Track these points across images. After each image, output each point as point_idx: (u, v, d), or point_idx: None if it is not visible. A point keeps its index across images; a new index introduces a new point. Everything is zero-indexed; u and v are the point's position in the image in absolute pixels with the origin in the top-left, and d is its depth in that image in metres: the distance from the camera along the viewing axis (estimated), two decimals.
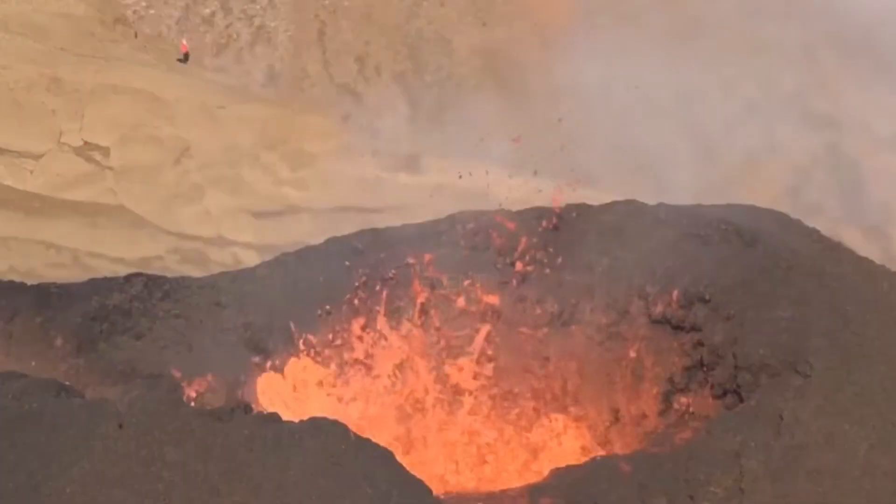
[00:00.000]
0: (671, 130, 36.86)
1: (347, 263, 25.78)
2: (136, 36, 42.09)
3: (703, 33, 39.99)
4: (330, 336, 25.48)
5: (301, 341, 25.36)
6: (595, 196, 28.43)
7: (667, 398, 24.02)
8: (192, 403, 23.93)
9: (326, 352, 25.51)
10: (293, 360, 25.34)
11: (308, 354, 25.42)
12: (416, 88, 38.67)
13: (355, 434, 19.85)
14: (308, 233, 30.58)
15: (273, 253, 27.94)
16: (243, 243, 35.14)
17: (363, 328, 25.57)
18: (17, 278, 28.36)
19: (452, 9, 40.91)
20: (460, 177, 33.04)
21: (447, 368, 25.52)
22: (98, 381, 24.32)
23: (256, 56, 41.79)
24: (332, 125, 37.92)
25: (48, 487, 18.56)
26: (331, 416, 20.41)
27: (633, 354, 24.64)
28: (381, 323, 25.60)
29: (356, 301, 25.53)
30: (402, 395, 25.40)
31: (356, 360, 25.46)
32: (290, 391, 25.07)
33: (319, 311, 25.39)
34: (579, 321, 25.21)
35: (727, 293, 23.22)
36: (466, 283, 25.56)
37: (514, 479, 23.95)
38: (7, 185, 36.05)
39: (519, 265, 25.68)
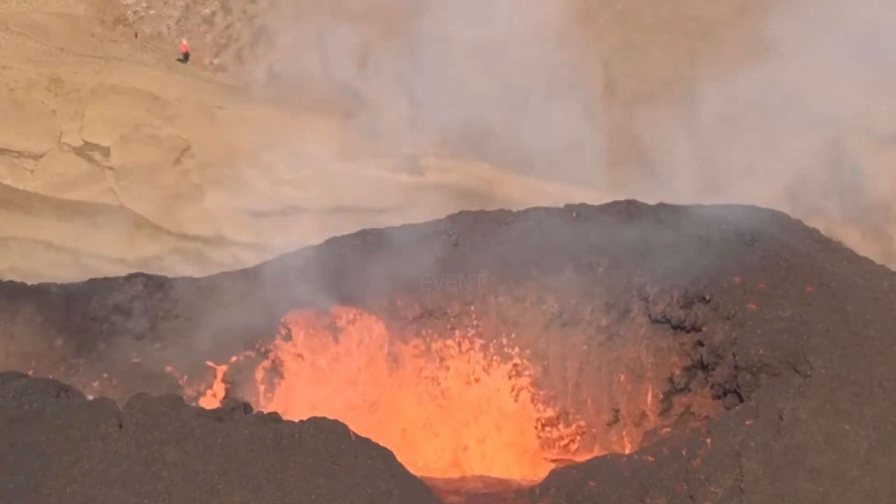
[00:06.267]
0: (672, 130, 36.86)
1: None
2: (136, 36, 42.12)
3: (703, 32, 40.03)
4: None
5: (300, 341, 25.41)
6: (595, 196, 28.44)
7: (667, 398, 24.03)
8: (192, 403, 23.93)
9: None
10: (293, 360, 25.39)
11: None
12: (416, 88, 38.67)
13: (355, 434, 19.86)
14: (308, 233, 30.59)
15: (273, 253, 27.92)
16: (243, 243, 35.10)
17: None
18: (17, 278, 28.33)
19: (452, 9, 40.93)
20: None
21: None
22: (98, 381, 24.33)
23: (256, 56, 41.80)
24: (332, 125, 37.90)
25: (48, 487, 18.56)
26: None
27: (633, 354, 24.66)
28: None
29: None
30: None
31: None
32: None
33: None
34: (579, 321, 25.23)
35: (727, 293, 23.22)
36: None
37: None
38: (7, 185, 36.05)
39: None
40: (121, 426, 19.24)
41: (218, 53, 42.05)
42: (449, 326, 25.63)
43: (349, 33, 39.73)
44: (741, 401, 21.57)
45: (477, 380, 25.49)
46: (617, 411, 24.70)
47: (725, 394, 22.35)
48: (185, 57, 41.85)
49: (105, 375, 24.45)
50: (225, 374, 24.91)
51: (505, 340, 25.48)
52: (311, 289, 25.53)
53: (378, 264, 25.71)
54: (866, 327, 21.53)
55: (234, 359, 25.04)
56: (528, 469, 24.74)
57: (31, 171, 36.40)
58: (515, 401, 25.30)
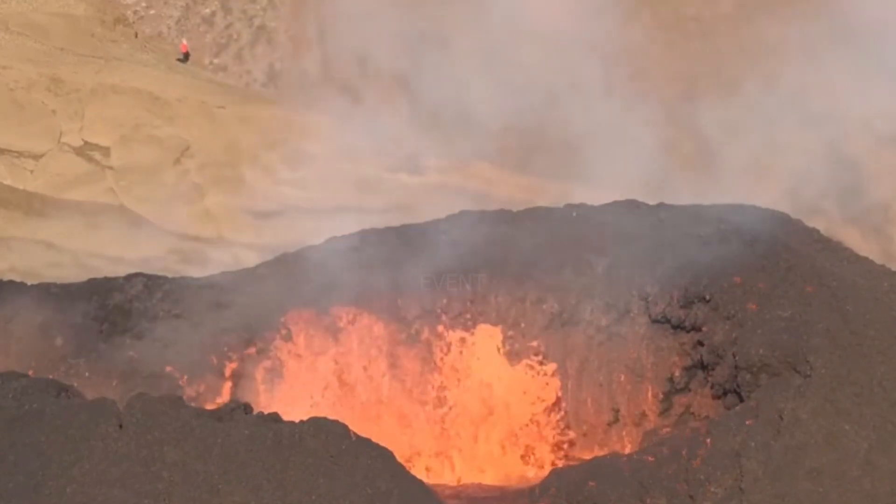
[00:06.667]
0: (672, 130, 36.87)
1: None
2: (136, 36, 42.11)
3: (703, 32, 40.03)
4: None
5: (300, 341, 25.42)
6: (595, 196, 28.43)
7: (667, 398, 24.03)
8: (193, 403, 23.91)
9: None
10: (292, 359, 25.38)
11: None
12: (416, 88, 38.67)
13: (355, 434, 19.86)
14: (308, 233, 30.57)
15: (273, 253, 27.92)
16: (243, 243, 35.09)
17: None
18: (17, 278, 28.32)
19: (452, 9, 40.94)
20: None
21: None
22: (98, 381, 24.32)
23: (256, 56, 41.80)
24: (332, 125, 37.86)
25: (48, 487, 18.56)
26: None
27: (633, 354, 24.66)
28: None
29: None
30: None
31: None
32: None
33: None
34: (579, 321, 25.22)
35: (727, 293, 23.22)
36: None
37: None
38: (7, 185, 36.03)
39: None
40: (121, 426, 19.24)
41: (218, 53, 42.06)
42: (449, 326, 25.63)
43: (349, 32, 39.74)
44: (741, 401, 21.56)
45: (475, 378, 25.49)
46: (617, 411, 24.70)
47: (725, 394, 22.34)
48: (185, 57, 41.86)
49: (105, 375, 24.42)
50: (225, 374, 24.90)
51: (504, 340, 25.48)
52: (311, 289, 25.54)
53: (378, 264, 25.71)
54: (866, 327, 21.53)
55: (234, 359, 25.03)
56: (528, 472, 24.74)
57: (31, 171, 36.38)
58: (516, 401, 25.29)
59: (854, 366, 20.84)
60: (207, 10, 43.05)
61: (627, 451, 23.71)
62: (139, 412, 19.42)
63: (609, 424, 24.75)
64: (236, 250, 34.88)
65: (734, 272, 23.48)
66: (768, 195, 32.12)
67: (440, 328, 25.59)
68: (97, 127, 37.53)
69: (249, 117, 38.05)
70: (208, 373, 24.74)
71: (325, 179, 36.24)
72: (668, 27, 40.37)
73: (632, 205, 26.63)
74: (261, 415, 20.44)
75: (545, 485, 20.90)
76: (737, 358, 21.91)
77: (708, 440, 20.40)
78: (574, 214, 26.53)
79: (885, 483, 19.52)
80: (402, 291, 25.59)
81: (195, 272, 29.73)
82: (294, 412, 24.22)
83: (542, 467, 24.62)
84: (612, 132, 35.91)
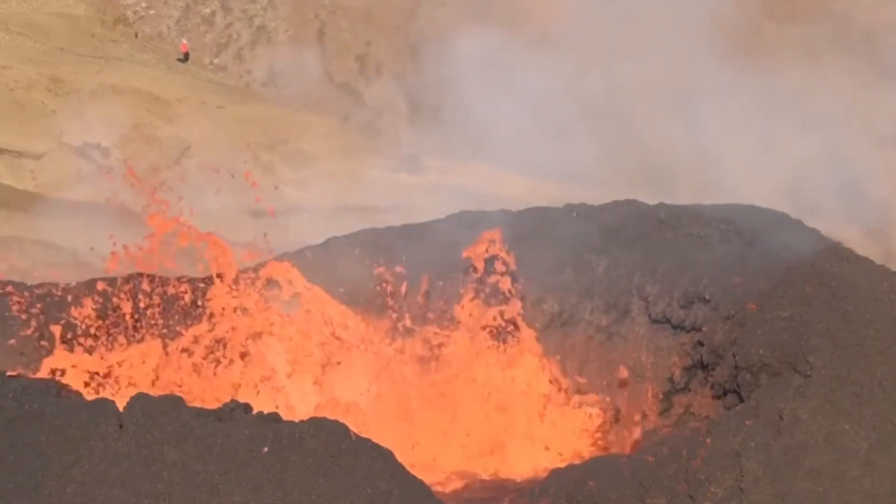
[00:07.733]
0: (672, 130, 36.88)
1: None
2: (136, 36, 42.16)
3: (703, 33, 40.03)
4: None
5: None
6: (595, 196, 28.44)
7: (667, 398, 24.03)
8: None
9: None
10: None
11: None
12: (416, 88, 38.70)
13: (356, 434, 19.85)
14: (308, 233, 30.59)
15: (273, 253, 27.93)
16: (243, 243, 35.08)
17: None
18: (17, 278, 28.30)
19: (452, 9, 40.96)
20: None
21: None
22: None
23: (256, 56, 41.86)
24: (332, 125, 37.89)
25: (48, 487, 18.53)
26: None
27: (633, 354, 24.66)
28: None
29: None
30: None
31: None
32: None
33: None
34: (579, 321, 25.22)
35: (727, 293, 23.22)
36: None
37: None
38: (7, 185, 36.04)
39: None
40: (121, 426, 19.21)
41: (218, 53, 42.12)
42: (449, 327, 25.63)
43: (349, 32, 39.74)
44: (741, 401, 21.55)
45: (477, 380, 25.49)
46: (617, 411, 24.69)
47: (725, 394, 22.32)
48: (185, 57, 41.93)
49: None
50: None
51: (505, 341, 25.48)
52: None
53: (378, 264, 25.71)
54: (866, 327, 21.50)
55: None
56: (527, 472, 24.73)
57: (31, 171, 36.39)
58: (517, 402, 25.29)
59: (854, 366, 20.82)
60: (207, 10, 43.11)
61: (627, 451, 23.71)
62: (139, 412, 19.40)
63: (609, 424, 24.74)
64: (236, 250, 34.86)
65: (734, 272, 23.47)
66: (768, 195, 32.14)
67: (439, 328, 25.59)
68: (97, 127, 37.56)
69: (249, 117, 38.08)
70: None
71: (325, 179, 36.26)
72: (667, 27, 40.36)
73: (632, 205, 26.63)
74: (261, 415, 20.41)
75: (545, 485, 20.87)
76: (737, 358, 21.89)
77: (708, 440, 20.38)
78: (574, 214, 26.53)
79: (885, 483, 19.50)
80: (402, 292, 25.58)
81: (195, 272, 29.69)
82: (293, 412, 24.24)
83: (542, 466, 24.64)
84: (613, 132, 35.96)
